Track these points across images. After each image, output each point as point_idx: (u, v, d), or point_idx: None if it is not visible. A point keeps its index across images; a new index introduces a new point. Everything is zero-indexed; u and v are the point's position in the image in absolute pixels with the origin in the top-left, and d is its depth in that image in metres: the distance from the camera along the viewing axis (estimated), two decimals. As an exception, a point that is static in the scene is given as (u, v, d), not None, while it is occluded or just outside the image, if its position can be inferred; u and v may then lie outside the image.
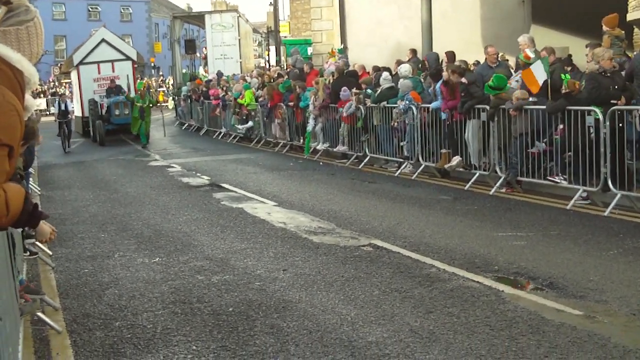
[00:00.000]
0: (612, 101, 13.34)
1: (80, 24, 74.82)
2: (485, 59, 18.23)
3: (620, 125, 12.86)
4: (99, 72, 35.60)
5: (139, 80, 46.54)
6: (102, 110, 33.97)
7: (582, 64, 16.46)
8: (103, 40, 35.99)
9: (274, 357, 6.84)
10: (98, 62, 35.60)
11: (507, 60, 20.43)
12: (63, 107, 31.77)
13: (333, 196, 15.87)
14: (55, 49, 76.84)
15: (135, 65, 37.78)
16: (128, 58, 36.30)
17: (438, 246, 10.93)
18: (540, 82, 14.64)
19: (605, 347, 6.75)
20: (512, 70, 17.40)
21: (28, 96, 3.89)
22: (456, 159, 16.84)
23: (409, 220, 12.98)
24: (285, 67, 33.97)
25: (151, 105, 33.07)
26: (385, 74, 20.45)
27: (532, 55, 15.89)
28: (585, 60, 15.36)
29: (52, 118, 51.05)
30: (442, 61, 20.27)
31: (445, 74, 17.07)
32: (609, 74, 13.62)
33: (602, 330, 7.20)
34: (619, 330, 7.24)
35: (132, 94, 33.38)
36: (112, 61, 35.74)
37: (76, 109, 37.69)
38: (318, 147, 22.95)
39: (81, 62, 35.85)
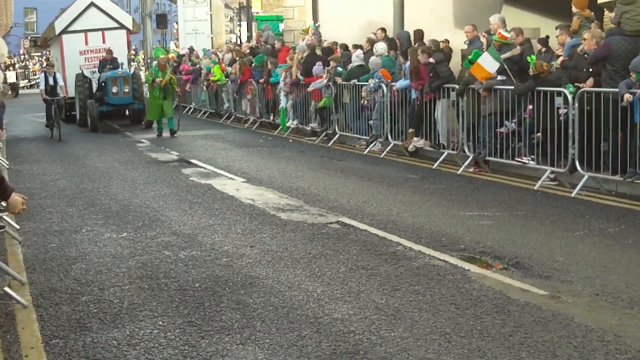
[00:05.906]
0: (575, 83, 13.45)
1: (51, -5, 73.76)
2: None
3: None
4: (87, 43, 29.42)
5: (156, 47, 44.04)
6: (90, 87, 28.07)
7: (552, 45, 16.48)
8: (92, 4, 29.57)
9: (239, 333, 6.85)
10: (85, 31, 29.36)
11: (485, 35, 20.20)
12: (51, 82, 24.61)
13: (302, 173, 15.88)
14: (25, 22, 75.85)
15: (131, 35, 32.08)
16: (122, 26, 30.16)
17: (405, 224, 10.98)
18: (493, 72, 14.73)
19: (569, 327, 6.83)
20: (484, 47, 17.31)
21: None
22: (415, 139, 17.07)
23: (377, 198, 13.03)
24: (251, 42, 33.31)
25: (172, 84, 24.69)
26: (358, 52, 20.45)
27: (507, 35, 15.85)
28: (556, 42, 15.41)
29: (21, 92, 50.96)
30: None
31: (409, 58, 17.15)
32: (586, 55, 13.68)
33: (566, 310, 7.28)
34: (582, 310, 7.32)
35: (128, 70, 28.41)
36: (102, 30, 29.51)
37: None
38: (288, 124, 22.91)
39: (64, 31, 29.51)
